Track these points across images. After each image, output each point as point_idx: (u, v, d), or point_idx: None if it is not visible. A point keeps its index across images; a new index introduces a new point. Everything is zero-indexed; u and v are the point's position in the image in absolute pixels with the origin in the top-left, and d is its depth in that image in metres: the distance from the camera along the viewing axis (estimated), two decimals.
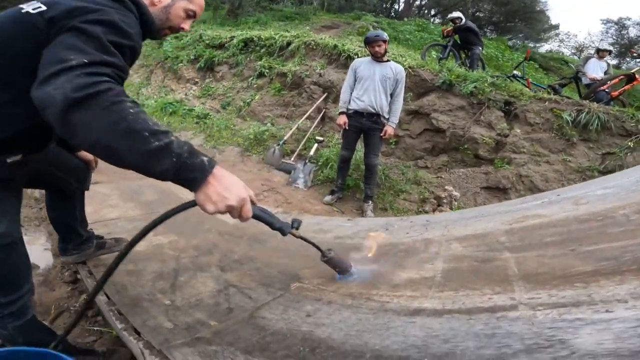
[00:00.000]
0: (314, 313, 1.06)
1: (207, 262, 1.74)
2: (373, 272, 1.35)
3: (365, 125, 3.28)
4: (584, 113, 4.15)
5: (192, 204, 0.85)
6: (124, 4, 0.92)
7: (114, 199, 2.57)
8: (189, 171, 0.78)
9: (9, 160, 0.94)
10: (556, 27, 18.57)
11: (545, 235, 1.16)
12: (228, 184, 0.82)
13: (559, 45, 18.50)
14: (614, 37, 17.34)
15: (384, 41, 3.23)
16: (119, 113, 0.70)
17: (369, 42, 3.26)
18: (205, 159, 0.80)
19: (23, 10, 0.86)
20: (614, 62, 14.15)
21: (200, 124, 5.44)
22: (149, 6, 1.09)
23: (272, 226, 1.06)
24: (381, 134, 3.25)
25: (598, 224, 1.13)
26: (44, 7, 0.84)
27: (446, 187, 3.66)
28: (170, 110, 5.99)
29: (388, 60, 3.34)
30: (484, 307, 0.81)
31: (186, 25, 1.22)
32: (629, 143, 4.05)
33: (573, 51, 17.51)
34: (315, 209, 3.15)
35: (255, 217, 0.95)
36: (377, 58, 3.27)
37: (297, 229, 1.14)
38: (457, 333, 0.74)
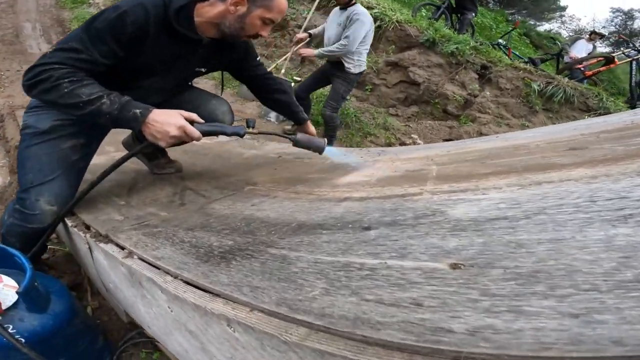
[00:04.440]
0: (259, 204, 1.15)
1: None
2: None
3: (329, 70, 3.12)
4: (552, 86, 4.31)
5: (149, 143, 1.11)
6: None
7: None
8: (124, 122, 1.07)
9: None
10: (563, 8, 18.24)
11: (469, 156, 1.29)
12: (164, 121, 1.06)
13: (559, 27, 18.36)
14: (617, 27, 17.40)
15: None
16: (57, 93, 1.02)
17: None
18: (138, 111, 1.06)
19: None
20: (608, 49, 14.26)
21: None
22: (225, 14, 1.19)
23: (226, 134, 1.19)
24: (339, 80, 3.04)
25: (512, 149, 1.26)
26: None
27: (412, 135, 3.80)
28: None
29: (354, 4, 2.89)
30: (398, 194, 0.92)
31: (264, 32, 1.28)
32: (586, 117, 4.27)
33: (571, 34, 17.39)
34: (283, 140, 3.19)
35: (205, 133, 1.12)
36: (340, 5, 2.94)
37: (252, 127, 1.22)
38: (369, 209, 0.86)
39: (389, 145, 3.77)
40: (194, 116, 1.13)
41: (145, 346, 1.35)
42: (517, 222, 0.56)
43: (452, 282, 0.43)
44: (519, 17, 13.49)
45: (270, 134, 1.37)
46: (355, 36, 2.82)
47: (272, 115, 3.64)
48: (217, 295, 0.56)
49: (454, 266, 0.47)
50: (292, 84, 4.12)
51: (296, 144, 1.29)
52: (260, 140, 2.65)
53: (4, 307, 0.94)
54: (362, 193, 1.01)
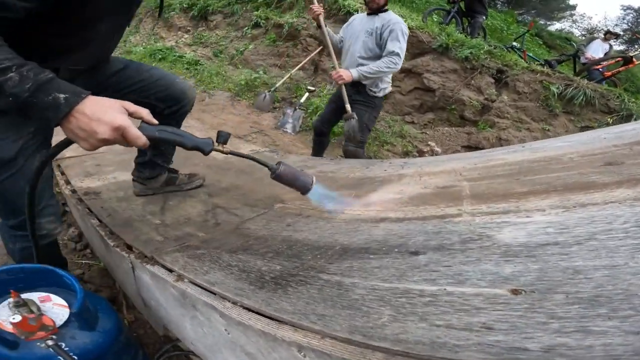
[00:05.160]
0: (294, 224, 1.20)
1: (195, 190, 1.85)
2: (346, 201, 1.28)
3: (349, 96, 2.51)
4: (572, 88, 4.30)
5: (67, 141, 0.79)
6: None
7: None
8: (37, 110, 0.72)
9: None
10: (573, 7, 18.28)
11: (499, 170, 1.32)
12: (94, 116, 0.72)
13: (570, 26, 18.36)
14: (629, 24, 17.36)
15: None
16: None
17: None
18: (62, 96, 0.72)
19: None
20: (622, 47, 14.25)
21: (190, 69, 5.41)
22: None
23: (183, 146, 0.86)
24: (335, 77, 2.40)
25: (545, 163, 1.29)
26: None
27: (429, 142, 3.83)
28: (160, 56, 5.92)
29: (386, 10, 2.45)
30: (437, 215, 0.96)
31: None
32: (608, 119, 4.25)
33: (584, 33, 17.32)
34: (301, 152, 3.26)
35: (154, 139, 0.80)
36: (371, 10, 2.44)
37: (224, 143, 0.90)
38: (411, 231, 0.90)
39: (407, 153, 3.79)
40: (144, 112, 0.81)
41: (180, 359, 1.41)
42: (569, 249, 0.60)
43: (517, 307, 0.48)
44: (530, 18, 13.51)
45: (244, 156, 0.98)
46: (403, 50, 2.36)
47: (289, 126, 3.71)
48: (284, 322, 0.61)
49: (515, 292, 0.51)
50: (307, 94, 4.21)
51: (276, 177, 0.96)
52: (279, 153, 2.72)
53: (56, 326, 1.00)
54: (399, 213, 1.05)
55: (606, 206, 0.77)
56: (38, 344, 0.95)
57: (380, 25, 2.37)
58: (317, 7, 2.42)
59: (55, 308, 1.05)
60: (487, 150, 2.35)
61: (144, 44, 6.80)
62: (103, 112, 0.73)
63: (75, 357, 0.99)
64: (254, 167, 2.30)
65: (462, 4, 6.03)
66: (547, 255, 0.59)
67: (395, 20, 2.37)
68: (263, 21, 5.73)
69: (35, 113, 0.73)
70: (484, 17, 6.08)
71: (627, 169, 1.06)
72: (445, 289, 0.56)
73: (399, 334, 0.48)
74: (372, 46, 2.40)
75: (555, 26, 16.98)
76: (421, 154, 3.80)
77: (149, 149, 1.54)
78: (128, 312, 1.61)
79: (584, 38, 9.36)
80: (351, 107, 2.51)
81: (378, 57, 2.40)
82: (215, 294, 0.80)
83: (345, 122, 2.44)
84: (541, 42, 10.42)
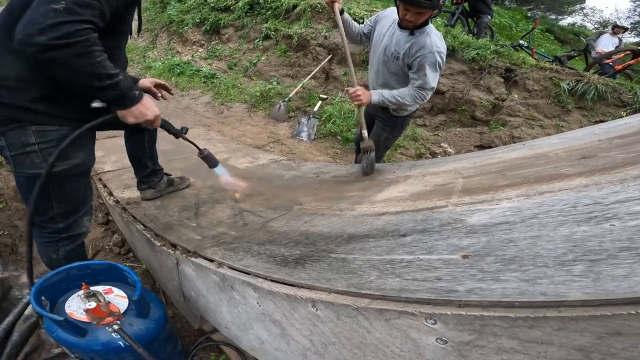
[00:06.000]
0: (310, 221, 1.44)
1: (222, 196, 2.11)
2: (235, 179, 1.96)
3: (370, 108, 2.32)
4: (582, 83, 4.38)
5: (115, 116, 1.23)
6: None
7: None
8: (124, 100, 1.14)
9: (94, 105, 1.17)
10: (582, 0, 18.26)
11: (493, 168, 1.52)
12: (149, 106, 1.23)
13: (582, 20, 18.30)
14: None
15: (430, 9, 1.83)
16: (88, 60, 0.95)
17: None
18: (137, 92, 1.18)
19: None
20: (638, 40, 14.15)
21: (207, 83, 5.74)
22: None
23: (169, 131, 1.54)
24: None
25: (533, 159, 1.48)
26: None
27: (442, 144, 3.99)
28: (178, 71, 6.28)
29: (426, 23, 1.95)
30: (427, 207, 1.18)
31: None
32: (622, 113, 4.30)
33: (596, 26, 17.27)
34: (317, 159, 3.50)
35: (161, 125, 1.43)
36: (403, 26, 1.98)
37: (185, 133, 1.59)
38: (404, 220, 1.12)
39: (420, 155, 3.97)
40: (157, 110, 1.31)
41: (213, 349, 1.67)
42: (514, 225, 0.81)
43: (461, 266, 0.70)
44: (539, 13, 13.46)
45: (192, 143, 1.65)
46: (436, 81, 2.03)
47: (304, 134, 3.98)
48: (302, 287, 0.84)
49: (465, 257, 0.72)
50: (320, 102, 4.46)
51: (203, 158, 1.69)
52: (296, 161, 2.98)
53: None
54: (398, 207, 1.27)
55: (559, 193, 0.96)
56: (107, 328, 1.18)
57: (409, 50, 1.97)
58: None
59: (117, 299, 1.30)
60: (491, 149, 2.52)
61: (162, 59, 7.23)
62: (151, 105, 1.25)
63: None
64: (272, 174, 2.58)
65: (466, 5, 6.12)
66: (497, 231, 0.80)
67: (429, 49, 1.91)
68: (273, 33, 6.03)
69: (120, 102, 1.15)
70: (490, 17, 6.15)
71: (595, 161, 1.24)
72: (418, 257, 0.79)
73: (380, 285, 0.71)
74: (399, 73, 2.12)
75: (567, 20, 17.07)
76: (434, 155, 3.96)
77: (149, 162, 1.98)
78: (167, 308, 1.88)
79: (593, 32, 9.37)
80: (372, 119, 2.40)
81: (407, 76, 2.09)
82: (249, 273, 1.04)
83: (363, 154, 2.16)
84: (553, 38, 10.40)
